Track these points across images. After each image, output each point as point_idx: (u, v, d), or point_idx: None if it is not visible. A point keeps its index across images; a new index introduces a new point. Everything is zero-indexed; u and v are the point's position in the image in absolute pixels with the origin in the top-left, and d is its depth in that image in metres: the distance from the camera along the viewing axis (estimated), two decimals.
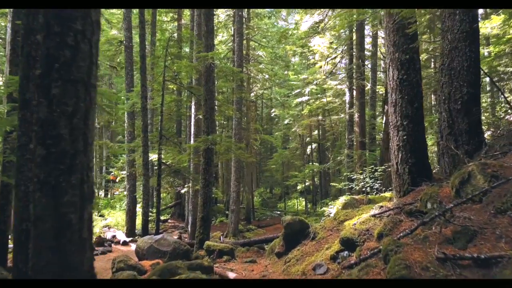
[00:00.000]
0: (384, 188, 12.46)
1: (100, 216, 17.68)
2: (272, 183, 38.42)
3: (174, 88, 13.62)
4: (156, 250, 8.15)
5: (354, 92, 15.61)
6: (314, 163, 28.33)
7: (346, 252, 5.49)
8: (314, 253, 6.40)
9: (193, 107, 13.89)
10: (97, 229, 15.66)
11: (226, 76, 11.43)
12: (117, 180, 19.76)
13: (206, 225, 9.14)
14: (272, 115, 36.81)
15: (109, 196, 24.47)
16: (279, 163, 31.89)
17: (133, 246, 13.89)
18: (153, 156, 12.69)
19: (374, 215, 6.08)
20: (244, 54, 22.41)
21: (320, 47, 20.32)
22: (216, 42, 19.86)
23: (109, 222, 16.13)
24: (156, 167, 12.57)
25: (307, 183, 31.07)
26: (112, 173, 20.02)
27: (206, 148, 9.24)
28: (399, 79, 6.37)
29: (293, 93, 27.60)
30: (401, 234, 4.37)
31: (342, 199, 11.22)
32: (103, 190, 26.21)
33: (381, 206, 6.43)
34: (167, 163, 11.62)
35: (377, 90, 20.11)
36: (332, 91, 19.10)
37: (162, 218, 19.06)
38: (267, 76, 26.38)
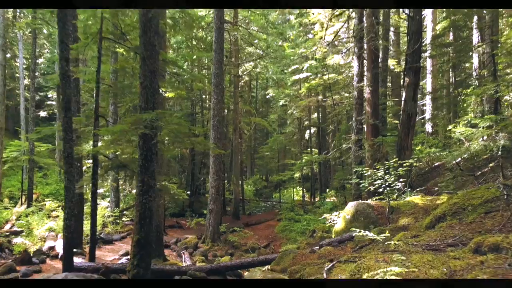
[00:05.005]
0: (409, 189, 9.16)
1: (47, 216, 14.49)
2: (267, 170, 35.27)
3: (123, 52, 10.17)
4: None
5: (365, 62, 12.16)
6: (314, 150, 25.04)
7: None
8: None
9: None
10: (37, 232, 12.47)
11: (186, 26, 7.98)
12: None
13: (144, 253, 5.89)
14: (267, 97, 33.36)
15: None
16: (274, 149, 28.59)
17: (77, 260, 10.71)
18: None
19: None
20: (228, 19, 18.81)
21: (321, 15, 16.81)
22: None
23: (55, 226, 12.91)
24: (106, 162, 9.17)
25: (304, 171, 27.93)
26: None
27: (143, 134, 5.91)
28: None
29: (289, 70, 24.07)
30: None
31: (351, 206, 7.93)
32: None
33: None
34: (109, 154, 8.32)
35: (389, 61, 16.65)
36: (335, 63, 15.59)
37: (126, 220, 15.84)
38: (258, 50, 22.81)
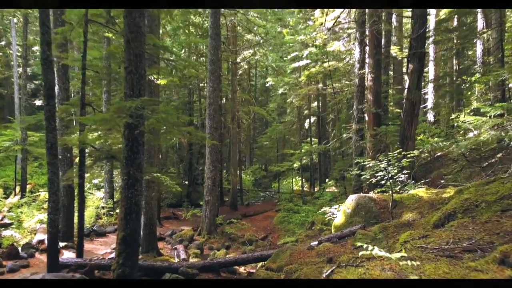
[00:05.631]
0: (412, 181, 8.73)
1: (40, 208, 14.12)
2: (266, 160, 34.88)
3: (113, 37, 9.63)
4: None
5: (367, 48, 11.63)
6: (313, 139, 24.59)
7: None
8: None
9: None
10: (28, 224, 12.10)
11: (181, 11, 7.40)
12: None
13: (130, 250, 5.49)
14: (267, 85, 32.76)
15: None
16: (273, 139, 28.13)
17: (67, 254, 10.38)
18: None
19: None
20: None
21: None
22: None
23: (46, 218, 12.51)
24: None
25: (304, 161, 27.51)
26: None
27: (128, 124, 5.46)
28: None
29: (288, 57, 23.45)
30: None
31: (351, 199, 7.52)
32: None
33: None
34: (97, 145, 7.86)
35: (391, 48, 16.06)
36: (335, 49, 15.04)
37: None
38: (257, 37, 22.15)
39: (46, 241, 10.53)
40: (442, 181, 8.46)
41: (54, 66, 7.07)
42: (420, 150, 8.31)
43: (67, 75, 10.84)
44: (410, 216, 6.11)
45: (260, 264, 7.33)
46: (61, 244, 10.76)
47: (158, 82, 9.46)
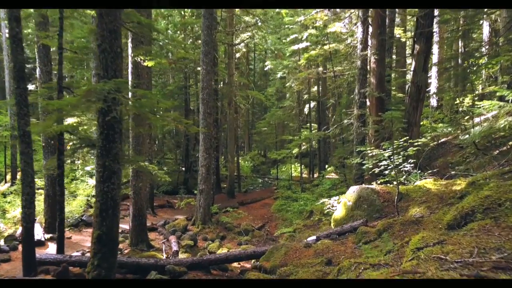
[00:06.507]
0: (419, 171, 8.13)
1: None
2: (265, 146, 34.30)
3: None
4: None
5: (370, 28, 10.87)
6: (313, 125, 23.94)
7: None
8: None
9: (129, 45, 9.27)
10: (13, 214, 11.57)
11: None
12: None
13: (106, 251, 4.93)
14: (266, 69, 31.92)
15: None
16: (271, 125, 27.45)
17: (52, 247, 9.87)
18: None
19: None
20: None
21: None
22: None
23: None
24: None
25: (303, 147, 26.88)
26: None
27: (102, 110, 4.83)
28: None
29: (287, 39, 22.61)
30: None
31: (353, 191, 6.94)
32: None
33: None
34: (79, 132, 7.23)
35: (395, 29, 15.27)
36: (336, 30, 14.27)
37: None
38: (256, 18, 21.21)
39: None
40: (450, 171, 7.88)
41: (23, 45, 6.37)
42: (428, 137, 7.69)
43: (49, 57, 10.13)
44: (418, 211, 5.54)
45: (253, 260, 6.81)
46: (47, 236, 10.30)
47: (145, 64, 8.77)
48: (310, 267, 4.64)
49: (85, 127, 6.82)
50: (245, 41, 22.84)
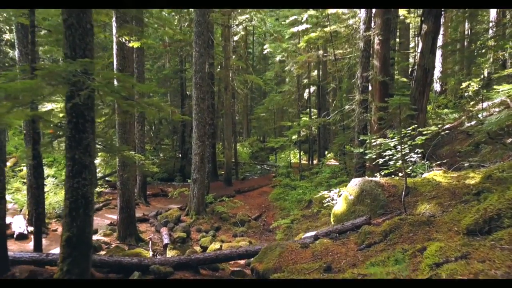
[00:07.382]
0: (427, 161, 7.53)
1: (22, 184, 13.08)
2: (264, 131, 33.68)
3: None
4: None
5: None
6: (313, 110, 23.24)
7: None
8: None
9: (113, 24, 8.54)
10: None
11: None
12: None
13: (78, 254, 4.37)
14: (265, 53, 31.00)
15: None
16: (270, 110, 26.77)
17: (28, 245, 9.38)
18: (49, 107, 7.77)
19: None
20: None
21: None
22: None
23: (15, 199, 11.48)
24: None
25: (303, 133, 26.26)
26: None
27: (71, 94, 4.20)
28: None
29: (287, 21, 21.74)
30: None
31: (355, 184, 6.35)
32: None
33: None
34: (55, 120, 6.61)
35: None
36: (337, 11, 13.49)
37: (99, 190, 14.40)
38: None
39: (12, 225, 9.58)
40: (459, 161, 7.29)
41: None
42: (439, 125, 7.08)
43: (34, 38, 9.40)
44: (428, 209, 4.97)
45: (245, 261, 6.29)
46: (30, 228, 9.77)
47: (131, 45, 8.08)
48: (306, 274, 4.10)
49: (61, 114, 6.18)
50: (243, 24, 21.95)
